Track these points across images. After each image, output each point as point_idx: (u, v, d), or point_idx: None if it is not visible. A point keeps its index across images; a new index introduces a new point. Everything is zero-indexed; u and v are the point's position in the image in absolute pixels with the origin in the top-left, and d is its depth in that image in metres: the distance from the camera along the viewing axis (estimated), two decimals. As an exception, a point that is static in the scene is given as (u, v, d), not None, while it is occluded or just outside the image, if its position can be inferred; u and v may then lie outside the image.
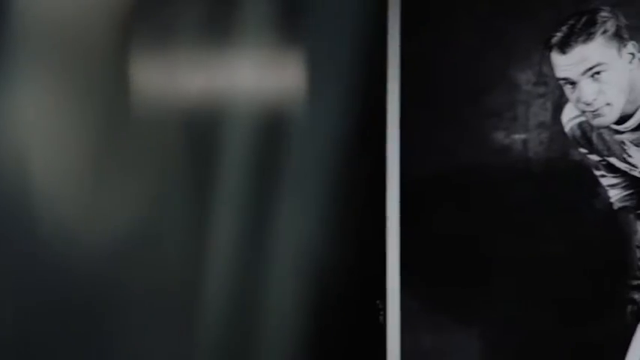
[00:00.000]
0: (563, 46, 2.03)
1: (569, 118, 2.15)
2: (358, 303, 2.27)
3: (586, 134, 2.13)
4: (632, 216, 2.14)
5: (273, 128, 2.32)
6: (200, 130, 2.29)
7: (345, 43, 2.32)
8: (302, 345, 2.30)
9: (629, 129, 2.05)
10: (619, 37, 2.02)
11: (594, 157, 2.14)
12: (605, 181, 2.17)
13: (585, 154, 2.15)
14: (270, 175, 2.29)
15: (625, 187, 2.16)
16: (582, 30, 2.02)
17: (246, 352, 2.30)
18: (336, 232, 2.30)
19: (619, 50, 2.02)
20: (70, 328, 2.26)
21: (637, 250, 2.13)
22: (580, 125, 2.13)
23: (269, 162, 2.29)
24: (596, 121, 2.05)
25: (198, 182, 2.28)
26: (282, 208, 2.31)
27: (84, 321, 2.26)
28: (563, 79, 2.05)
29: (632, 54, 2.02)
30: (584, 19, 2.03)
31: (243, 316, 2.29)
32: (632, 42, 2.02)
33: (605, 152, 2.11)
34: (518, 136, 2.21)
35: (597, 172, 2.17)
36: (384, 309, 2.20)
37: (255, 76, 2.32)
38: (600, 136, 2.11)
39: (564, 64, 2.04)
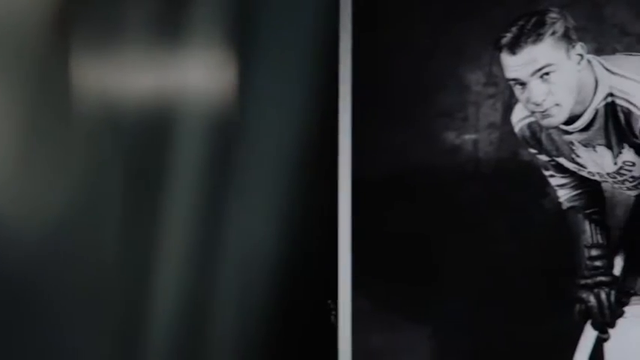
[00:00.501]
0: (513, 47, 2.03)
1: (519, 118, 2.16)
2: (310, 303, 2.28)
3: (535, 134, 2.14)
4: (580, 216, 2.16)
5: (223, 128, 2.32)
6: (144, 128, 2.29)
7: (298, 44, 2.32)
8: (254, 345, 2.31)
9: (578, 129, 2.07)
10: (568, 38, 2.03)
11: (543, 158, 2.16)
12: (554, 181, 2.19)
13: (535, 154, 2.17)
14: (221, 175, 2.29)
15: (573, 187, 2.18)
16: (532, 31, 2.03)
17: (196, 352, 2.30)
18: (288, 232, 2.31)
19: (568, 51, 2.03)
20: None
21: (585, 250, 2.15)
22: (529, 126, 2.15)
23: (219, 161, 2.29)
24: (545, 122, 2.06)
25: (141, 178, 2.27)
26: (232, 208, 2.32)
27: (10, 312, 2.24)
28: (513, 79, 2.05)
29: (581, 55, 2.03)
30: (533, 20, 2.04)
31: (193, 316, 2.29)
32: (581, 43, 2.03)
33: (554, 152, 2.13)
34: (469, 137, 2.23)
35: (546, 172, 2.19)
36: (335, 309, 2.21)
37: (204, 76, 2.31)
38: (549, 136, 2.12)
39: (514, 64, 2.04)
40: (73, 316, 2.23)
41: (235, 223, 2.32)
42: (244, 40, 2.34)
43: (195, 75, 2.32)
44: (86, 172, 2.27)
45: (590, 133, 2.06)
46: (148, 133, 2.29)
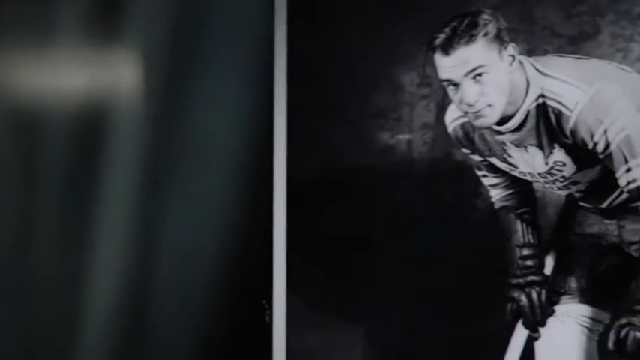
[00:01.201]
0: (446, 48, 2.03)
1: (452, 119, 2.17)
2: (245, 303, 2.28)
3: (468, 135, 2.15)
4: (512, 215, 2.18)
5: (158, 128, 2.31)
6: (76, 128, 2.28)
7: (233, 46, 2.32)
8: (189, 345, 2.30)
9: (510, 130, 2.08)
10: (500, 39, 2.04)
11: (476, 158, 2.17)
12: (486, 181, 2.21)
13: (467, 154, 2.18)
14: (156, 175, 2.28)
15: (505, 187, 2.20)
16: (464, 32, 2.03)
17: (132, 352, 2.29)
18: (224, 233, 2.31)
19: (500, 52, 2.03)
20: None
21: (516, 249, 2.17)
22: (463, 126, 2.16)
23: (154, 162, 2.28)
24: (478, 122, 2.06)
25: (73, 179, 2.26)
26: (166, 209, 2.31)
27: None
28: (446, 80, 2.05)
29: (513, 56, 2.04)
30: (466, 22, 2.04)
31: (129, 316, 2.28)
32: (512, 44, 2.04)
33: (487, 153, 2.15)
34: (403, 137, 2.24)
35: (479, 173, 2.20)
36: (270, 309, 2.21)
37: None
38: (482, 136, 2.13)
39: (447, 65, 2.04)
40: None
41: (170, 225, 2.31)
42: (178, 41, 2.34)
43: (129, 75, 2.32)
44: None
45: (521, 133, 2.08)
46: (81, 133, 2.28)
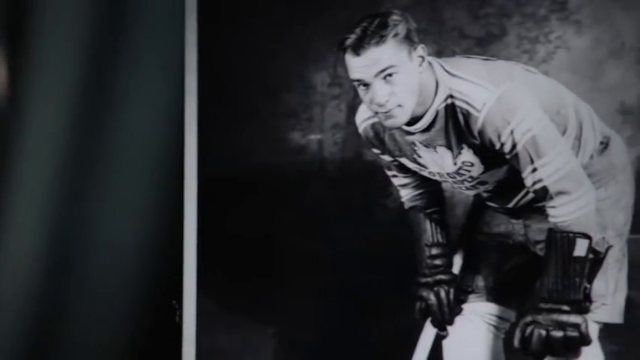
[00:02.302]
0: (357, 48, 2.04)
1: (363, 119, 2.18)
2: (155, 303, 2.27)
3: (379, 135, 2.17)
4: (421, 215, 2.20)
5: (69, 125, 2.29)
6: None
7: (144, 45, 2.31)
8: (99, 345, 2.28)
9: (419, 130, 2.09)
10: (409, 40, 2.05)
11: (386, 158, 2.19)
12: (396, 181, 2.22)
13: (378, 154, 2.19)
14: (65, 175, 2.26)
15: (415, 187, 2.21)
16: (375, 33, 2.04)
17: (42, 352, 2.26)
18: (135, 232, 2.29)
19: (409, 53, 2.05)
20: None
21: (426, 249, 2.18)
22: (373, 126, 2.17)
23: (62, 161, 2.26)
24: (388, 123, 2.07)
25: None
26: (80, 207, 2.29)
27: None
28: (357, 80, 2.06)
29: (422, 57, 2.05)
30: (376, 22, 2.05)
31: (37, 317, 2.25)
32: (422, 45, 2.06)
33: (397, 153, 2.16)
34: (314, 137, 2.24)
35: (389, 172, 2.21)
36: (180, 309, 2.20)
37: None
38: (392, 137, 2.15)
39: (358, 65, 2.05)
40: None
41: (79, 226, 2.29)
42: (95, 40, 2.32)
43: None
44: None
45: (431, 133, 2.09)
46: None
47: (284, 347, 2.19)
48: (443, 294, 2.19)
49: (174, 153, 2.23)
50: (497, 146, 2.04)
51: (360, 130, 2.21)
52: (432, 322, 2.19)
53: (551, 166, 2.03)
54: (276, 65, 2.21)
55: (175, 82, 2.23)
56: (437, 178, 2.17)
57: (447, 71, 2.08)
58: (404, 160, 2.18)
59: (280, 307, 2.19)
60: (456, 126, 2.08)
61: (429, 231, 2.21)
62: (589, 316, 2.04)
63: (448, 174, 2.14)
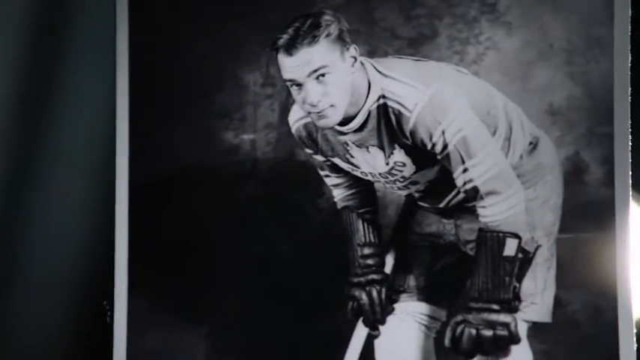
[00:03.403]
0: (289, 48, 2.05)
1: (296, 119, 2.19)
2: (86, 304, 2.25)
3: (312, 135, 2.17)
4: (354, 215, 2.20)
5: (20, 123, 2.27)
6: None
7: (75, 45, 2.29)
8: (28, 345, 2.26)
9: (352, 130, 2.10)
10: (342, 40, 2.07)
11: (319, 158, 2.19)
12: (329, 181, 2.22)
13: (311, 154, 2.20)
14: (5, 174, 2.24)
15: (347, 187, 2.22)
16: (307, 32, 2.05)
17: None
18: (63, 233, 2.27)
19: (342, 53, 2.06)
20: None
21: (358, 248, 2.19)
22: (306, 126, 2.17)
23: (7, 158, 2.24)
24: (320, 123, 2.09)
25: None
26: (1, 209, 2.26)
27: None
28: (290, 80, 2.07)
29: (354, 57, 2.07)
30: (308, 22, 2.06)
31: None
32: (354, 45, 2.07)
33: (330, 153, 2.17)
34: (247, 137, 2.24)
35: (322, 172, 2.22)
36: (111, 310, 2.18)
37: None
38: (325, 137, 2.15)
39: (290, 65, 2.06)
40: None
41: (5, 224, 2.27)
42: (37, 37, 2.30)
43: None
44: None
45: (363, 133, 2.11)
46: None
47: (216, 347, 2.18)
48: (375, 294, 2.20)
49: (106, 153, 2.21)
50: (429, 146, 2.05)
51: (293, 130, 2.21)
52: (363, 321, 2.20)
53: (482, 166, 2.05)
54: (209, 65, 2.20)
55: (107, 82, 2.21)
56: (369, 178, 2.18)
57: (379, 71, 2.09)
58: (336, 160, 2.19)
59: (213, 307, 2.18)
60: (388, 126, 2.09)
61: (362, 231, 2.22)
62: (518, 315, 2.07)
63: (380, 174, 2.15)
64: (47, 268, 2.26)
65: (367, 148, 2.12)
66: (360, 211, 2.21)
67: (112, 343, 2.16)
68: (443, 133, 2.04)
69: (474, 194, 2.06)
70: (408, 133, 2.06)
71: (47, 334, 2.25)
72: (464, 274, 2.12)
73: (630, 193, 2.09)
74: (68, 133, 2.30)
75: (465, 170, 2.05)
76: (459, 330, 2.07)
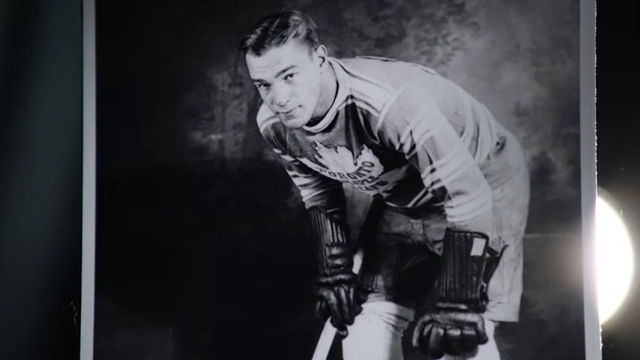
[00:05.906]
0: (257, 48, 2.05)
1: (264, 119, 2.19)
2: (52, 305, 2.24)
3: (280, 135, 2.17)
4: (322, 215, 2.21)
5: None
6: None
7: (41, 44, 2.28)
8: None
9: (320, 130, 2.11)
10: (310, 40, 2.07)
11: (287, 158, 2.19)
12: (297, 181, 2.23)
13: (279, 154, 2.20)
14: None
15: (316, 187, 2.22)
16: (275, 33, 2.05)
17: None
18: (30, 233, 2.26)
19: (310, 54, 2.06)
20: None
21: (326, 248, 2.20)
22: (274, 126, 2.17)
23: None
24: (289, 123, 2.09)
25: None
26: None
27: None
28: (258, 80, 2.07)
29: (322, 57, 2.07)
30: (277, 22, 2.06)
31: None
32: (322, 46, 2.07)
33: (298, 153, 2.17)
34: (215, 137, 2.24)
35: (290, 173, 2.22)
36: (78, 310, 2.18)
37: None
38: (293, 137, 2.15)
39: (258, 65, 2.06)
40: None
41: None
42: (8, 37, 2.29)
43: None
44: None
45: (331, 134, 2.11)
46: None
47: (184, 347, 2.18)
48: (343, 294, 2.21)
49: (73, 153, 2.20)
50: (397, 147, 2.06)
51: (261, 130, 2.21)
52: (331, 321, 2.20)
53: (450, 166, 2.06)
54: (177, 65, 2.20)
55: (74, 82, 2.20)
56: (337, 178, 2.19)
57: (347, 72, 2.10)
58: (305, 161, 2.19)
59: (180, 307, 2.18)
60: (357, 126, 2.10)
61: (330, 231, 2.22)
62: (485, 315, 2.08)
63: (349, 174, 2.16)
64: (13, 269, 2.25)
65: (335, 148, 2.12)
66: (329, 211, 2.22)
67: (79, 343, 2.16)
68: (411, 133, 2.05)
69: (441, 194, 2.07)
70: (376, 134, 2.07)
71: (14, 334, 2.24)
72: (432, 273, 2.13)
73: (596, 193, 2.11)
74: (35, 133, 2.29)
75: (433, 170, 2.06)
76: (426, 330, 2.08)
